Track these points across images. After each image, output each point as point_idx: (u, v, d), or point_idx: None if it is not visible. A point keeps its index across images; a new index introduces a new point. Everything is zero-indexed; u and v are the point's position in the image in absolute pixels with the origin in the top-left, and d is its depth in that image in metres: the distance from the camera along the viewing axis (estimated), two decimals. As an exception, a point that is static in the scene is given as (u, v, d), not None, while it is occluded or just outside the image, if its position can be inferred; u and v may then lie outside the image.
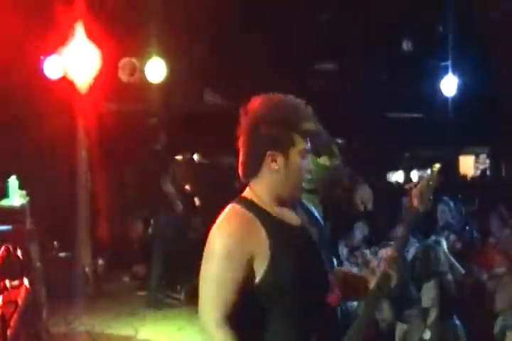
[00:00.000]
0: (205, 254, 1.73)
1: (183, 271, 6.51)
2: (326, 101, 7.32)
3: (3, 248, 4.45)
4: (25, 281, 4.32)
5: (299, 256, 1.72)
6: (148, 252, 6.91)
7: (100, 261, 7.52)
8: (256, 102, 1.80)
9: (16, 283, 4.48)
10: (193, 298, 6.27)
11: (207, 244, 1.73)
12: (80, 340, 5.75)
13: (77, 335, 5.83)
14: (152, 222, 6.85)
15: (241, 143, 1.80)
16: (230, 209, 1.77)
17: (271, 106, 1.77)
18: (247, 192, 1.81)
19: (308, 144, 1.78)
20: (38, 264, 5.77)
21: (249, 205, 1.76)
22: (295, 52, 7.70)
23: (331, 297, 1.75)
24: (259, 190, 1.78)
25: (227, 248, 1.67)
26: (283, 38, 7.75)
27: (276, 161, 1.73)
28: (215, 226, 1.74)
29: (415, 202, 1.87)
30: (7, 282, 4.31)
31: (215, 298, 1.66)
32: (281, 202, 1.79)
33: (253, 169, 1.78)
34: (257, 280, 1.68)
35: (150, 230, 6.79)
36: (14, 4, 6.05)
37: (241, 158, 1.80)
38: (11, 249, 4.59)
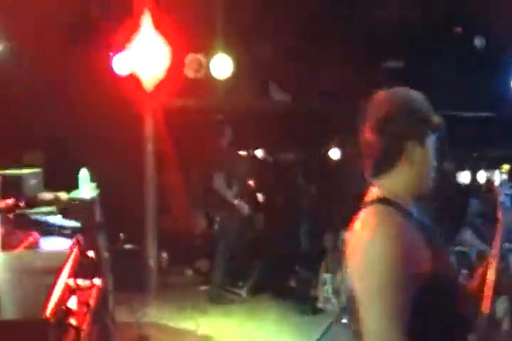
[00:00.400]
0: (363, 265, 1.59)
1: (244, 267, 6.56)
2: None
3: (75, 248, 4.57)
4: (97, 281, 4.41)
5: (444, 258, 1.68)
6: (212, 248, 7.00)
7: (164, 255, 7.67)
8: (383, 96, 1.75)
9: (87, 283, 4.57)
10: (253, 294, 6.36)
11: (362, 254, 1.59)
12: (145, 330, 5.86)
13: (142, 325, 5.98)
14: (217, 218, 6.90)
15: (369, 140, 1.71)
16: (379, 212, 1.66)
17: (403, 99, 1.73)
18: (379, 192, 1.72)
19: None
20: (106, 255, 5.96)
21: (395, 206, 1.66)
22: (363, 51, 7.58)
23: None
24: (395, 187, 1.70)
25: (398, 254, 1.53)
26: (350, 37, 7.66)
27: (414, 153, 1.67)
28: (364, 233, 1.61)
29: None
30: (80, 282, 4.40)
31: (392, 309, 1.50)
32: (413, 198, 1.73)
33: (389, 165, 1.69)
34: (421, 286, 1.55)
35: (215, 226, 6.85)
36: (83, 2, 6.23)
37: (371, 155, 1.72)
38: (83, 247, 4.71)
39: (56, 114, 7.00)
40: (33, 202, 5.90)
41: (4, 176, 5.89)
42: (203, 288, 7.04)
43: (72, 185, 6.12)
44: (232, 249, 6.59)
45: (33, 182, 6.17)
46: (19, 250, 2.10)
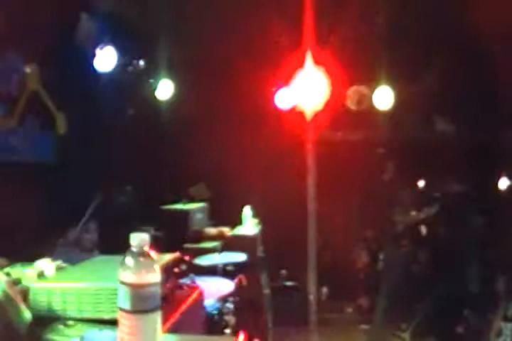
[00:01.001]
0: None
1: (409, 308, 6.28)
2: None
3: (236, 280, 4.70)
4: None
5: None
6: (374, 285, 6.80)
7: (324, 289, 7.59)
8: None
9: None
10: (417, 339, 6.03)
11: None
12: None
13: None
14: (381, 255, 6.70)
15: None
16: None
17: None
18: None
19: None
20: (267, 291, 6.05)
21: None
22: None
23: None
24: None
25: None
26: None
27: None
28: None
29: None
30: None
31: None
32: None
33: None
34: None
35: (379, 264, 6.66)
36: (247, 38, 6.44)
37: None
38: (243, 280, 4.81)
39: (220, 149, 7.26)
40: (199, 237, 6.20)
41: (173, 210, 6.29)
42: (364, 327, 6.84)
43: (235, 219, 6.32)
44: (396, 288, 6.33)
45: (198, 216, 6.48)
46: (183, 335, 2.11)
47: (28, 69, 4.65)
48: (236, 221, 6.34)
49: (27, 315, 2.05)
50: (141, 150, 6.46)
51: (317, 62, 6.29)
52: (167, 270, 2.40)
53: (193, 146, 7.30)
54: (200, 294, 2.59)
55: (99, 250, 5.09)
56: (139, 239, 1.38)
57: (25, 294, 2.21)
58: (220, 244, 5.90)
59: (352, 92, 7.20)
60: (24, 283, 2.54)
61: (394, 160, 7.02)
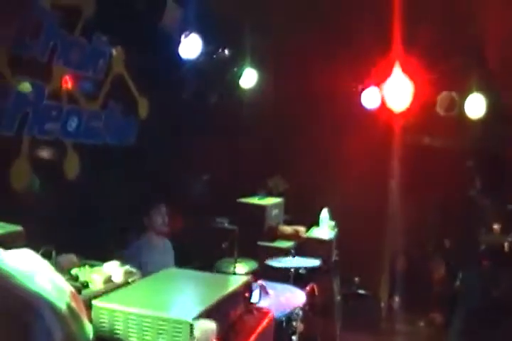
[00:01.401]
0: None
1: (487, 335, 5.84)
2: None
3: (308, 288, 4.47)
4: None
5: None
6: (449, 301, 6.40)
7: (397, 298, 7.25)
8: None
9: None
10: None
11: None
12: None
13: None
14: (460, 273, 6.26)
15: None
16: None
17: None
18: None
19: None
20: (338, 298, 5.79)
21: None
22: None
23: None
24: None
25: None
26: None
27: None
28: None
29: None
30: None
31: None
32: None
33: None
34: None
35: (457, 282, 6.22)
36: (335, 36, 6.17)
37: None
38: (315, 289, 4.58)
39: (301, 143, 7.03)
40: (273, 235, 5.99)
41: (250, 205, 6.10)
42: (437, 344, 6.47)
43: (310, 216, 6.07)
44: (474, 312, 5.90)
45: (275, 212, 6.27)
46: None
47: (114, 53, 4.53)
48: (311, 219, 6.07)
49: (89, 329, 1.90)
50: (221, 139, 6.31)
51: (407, 64, 5.96)
52: (238, 295, 2.18)
53: (273, 137, 7.11)
54: (271, 320, 2.36)
55: (172, 236, 5.06)
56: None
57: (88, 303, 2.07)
58: (294, 245, 5.66)
59: (442, 98, 6.80)
60: (91, 287, 2.43)
61: (483, 174, 6.56)
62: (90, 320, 1.93)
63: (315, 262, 4.78)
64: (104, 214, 4.24)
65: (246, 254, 5.15)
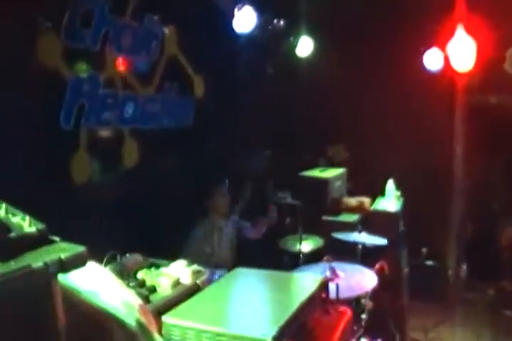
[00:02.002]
0: None
1: None
2: None
3: (377, 267, 4.36)
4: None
5: None
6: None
7: (464, 266, 7.06)
8: None
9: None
10: None
11: None
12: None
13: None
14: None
15: None
16: None
17: None
18: None
19: None
20: (406, 270, 5.65)
21: None
22: None
23: None
24: None
25: None
26: None
27: None
28: None
29: None
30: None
31: None
32: None
33: None
34: None
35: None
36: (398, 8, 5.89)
37: None
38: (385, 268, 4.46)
39: (362, 110, 6.82)
40: (337, 208, 5.85)
41: (312, 178, 5.97)
42: (507, 313, 6.27)
43: (373, 186, 5.91)
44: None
45: (337, 184, 6.12)
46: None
47: (166, 33, 4.41)
48: (374, 188, 5.90)
49: (162, 345, 1.85)
50: (279, 111, 6.17)
51: (470, 23, 5.63)
52: (315, 298, 2.09)
53: (332, 106, 6.91)
54: (349, 320, 2.27)
55: (236, 214, 5.03)
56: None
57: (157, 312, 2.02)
58: (359, 218, 5.53)
59: (510, 54, 6.40)
60: (159, 291, 2.38)
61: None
62: (160, 332, 1.88)
63: (381, 241, 4.63)
64: (168, 202, 4.21)
65: (310, 230, 5.07)
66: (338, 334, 2.09)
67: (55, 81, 3.23)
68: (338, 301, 3.40)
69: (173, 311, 1.88)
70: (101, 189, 3.58)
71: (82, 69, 3.45)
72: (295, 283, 2.28)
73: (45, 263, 1.31)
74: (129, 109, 3.98)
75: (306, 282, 2.22)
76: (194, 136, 4.82)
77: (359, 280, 3.84)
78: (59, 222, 1.42)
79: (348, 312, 2.30)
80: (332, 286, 3.45)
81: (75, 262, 1.40)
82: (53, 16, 3.11)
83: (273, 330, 1.68)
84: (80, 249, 1.42)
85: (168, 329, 1.81)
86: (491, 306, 6.54)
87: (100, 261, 2.00)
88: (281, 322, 1.74)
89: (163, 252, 2.82)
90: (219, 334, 1.72)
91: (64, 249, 1.39)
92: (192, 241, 4.33)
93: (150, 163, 4.15)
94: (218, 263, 4.30)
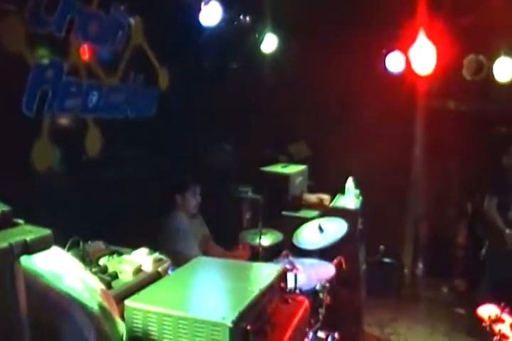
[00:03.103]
0: None
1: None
2: None
3: (336, 261, 4.42)
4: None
5: None
6: (474, 267, 6.34)
7: (420, 264, 7.22)
8: None
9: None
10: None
11: None
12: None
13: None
14: (486, 241, 6.14)
15: None
16: None
17: None
18: None
19: None
20: (364, 267, 5.75)
21: None
22: None
23: None
24: None
25: None
26: None
27: None
28: None
29: None
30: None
31: None
32: None
33: None
34: None
35: (483, 250, 6.11)
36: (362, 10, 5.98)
37: None
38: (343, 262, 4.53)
39: (323, 108, 6.90)
40: (298, 204, 5.91)
41: (273, 173, 6.01)
42: (459, 311, 6.44)
43: (333, 182, 5.98)
44: (499, 278, 5.81)
45: (298, 180, 6.18)
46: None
47: (132, 23, 4.38)
48: (334, 186, 5.98)
49: (122, 329, 1.86)
50: (242, 106, 6.19)
51: (432, 27, 5.76)
52: (274, 287, 2.12)
53: (295, 103, 6.97)
54: (307, 309, 2.31)
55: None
56: None
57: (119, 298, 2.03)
58: (319, 214, 5.59)
59: (468, 61, 6.56)
60: (121, 278, 2.38)
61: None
62: (122, 317, 1.88)
63: (340, 233, 4.70)
64: (131, 192, 4.19)
65: (270, 225, 5.11)
66: (296, 321, 2.12)
67: (17, 66, 3.18)
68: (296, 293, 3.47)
69: (135, 296, 1.89)
70: (63, 177, 3.55)
71: (46, 55, 3.40)
72: (255, 271, 2.31)
73: (10, 244, 1.30)
74: (93, 98, 3.95)
75: (265, 271, 2.24)
76: (157, 128, 4.80)
77: (317, 272, 3.92)
78: (19, 209, 1.41)
79: (306, 302, 2.33)
80: (290, 279, 3.53)
81: (40, 245, 1.39)
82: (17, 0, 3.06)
83: (233, 315, 1.70)
84: (46, 231, 1.41)
85: (130, 313, 1.82)
86: (445, 304, 6.73)
87: (62, 248, 1.98)
88: (241, 307, 1.77)
89: (124, 241, 2.81)
90: (180, 318, 1.73)
91: (29, 232, 1.39)
92: (161, 240, 4.32)
93: (113, 153, 4.12)
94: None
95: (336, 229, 4.67)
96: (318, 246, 4.46)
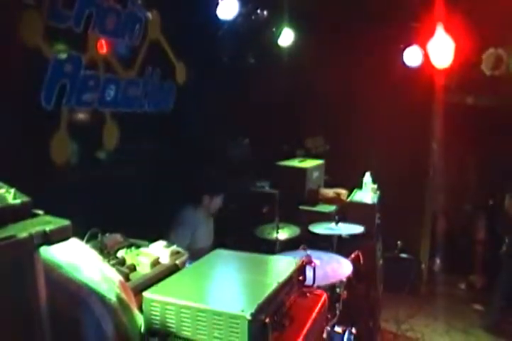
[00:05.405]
0: None
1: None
2: None
3: (353, 256, 4.40)
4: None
5: None
6: (492, 263, 6.27)
7: (438, 260, 7.17)
8: None
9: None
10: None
11: None
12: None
13: (405, 338, 5.70)
14: (505, 239, 6.06)
15: None
16: None
17: None
18: None
19: None
20: (381, 262, 5.72)
21: None
22: None
23: None
24: None
25: None
26: None
27: None
28: None
29: None
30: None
31: None
32: None
33: None
34: None
35: (502, 247, 6.03)
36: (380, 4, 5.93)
37: None
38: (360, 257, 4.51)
39: (341, 102, 6.87)
40: (315, 198, 5.88)
41: (290, 168, 6.00)
42: (477, 307, 6.39)
43: (350, 177, 5.95)
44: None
45: (315, 175, 6.15)
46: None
47: (149, 17, 4.38)
48: (352, 181, 5.94)
49: (140, 320, 1.86)
50: (259, 101, 6.17)
51: (450, 22, 5.70)
52: (292, 280, 2.11)
53: (313, 98, 6.95)
54: (325, 303, 2.29)
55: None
56: None
57: (137, 290, 2.03)
58: (336, 209, 5.57)
59: (487, 55, 6.48)
60: (139, 270, 2.38)
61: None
62: (140, 309, 1.88)
63: (359, 229, 4.70)
64: (148, 186, 4.20)
65: (287, 219, 5.10)
66: (314, 315, 2.11)
67: (36, 59, 3.20)
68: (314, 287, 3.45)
69: (153, 287, 1.88)
70: (81, 170, 3.57)
71: (64, 49, 3.42)
72: (273, 264, 2.30)
73: (30, 234, 1.31)
74: (111, 92, 3.96)
75: (284, 264, 2.23)
76: (174, 122, 4.81)
77: (334, 268, 3.88)
78: (39, 201, 1.42)
79: (324, 296, 2.32)
80: (309, 273, 3.51)
81: (60, 235, 1.39)
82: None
83: (252, 307, 1.69)
84: (65, 222, 1.41)
85: (148, 305, 1.81)
86: (462, 300, 6.68)
87: (80, 240, 1.98)
88: (260, 300, 1.76)
89: (143, 234, 2.82)
90: (199, 310, 1.72)
91: (48, 222, 1.39)
92: (179, 233, 4.35)
93: (130, 146, 4.14)
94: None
95: (351, 227, 4.71)
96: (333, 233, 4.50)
